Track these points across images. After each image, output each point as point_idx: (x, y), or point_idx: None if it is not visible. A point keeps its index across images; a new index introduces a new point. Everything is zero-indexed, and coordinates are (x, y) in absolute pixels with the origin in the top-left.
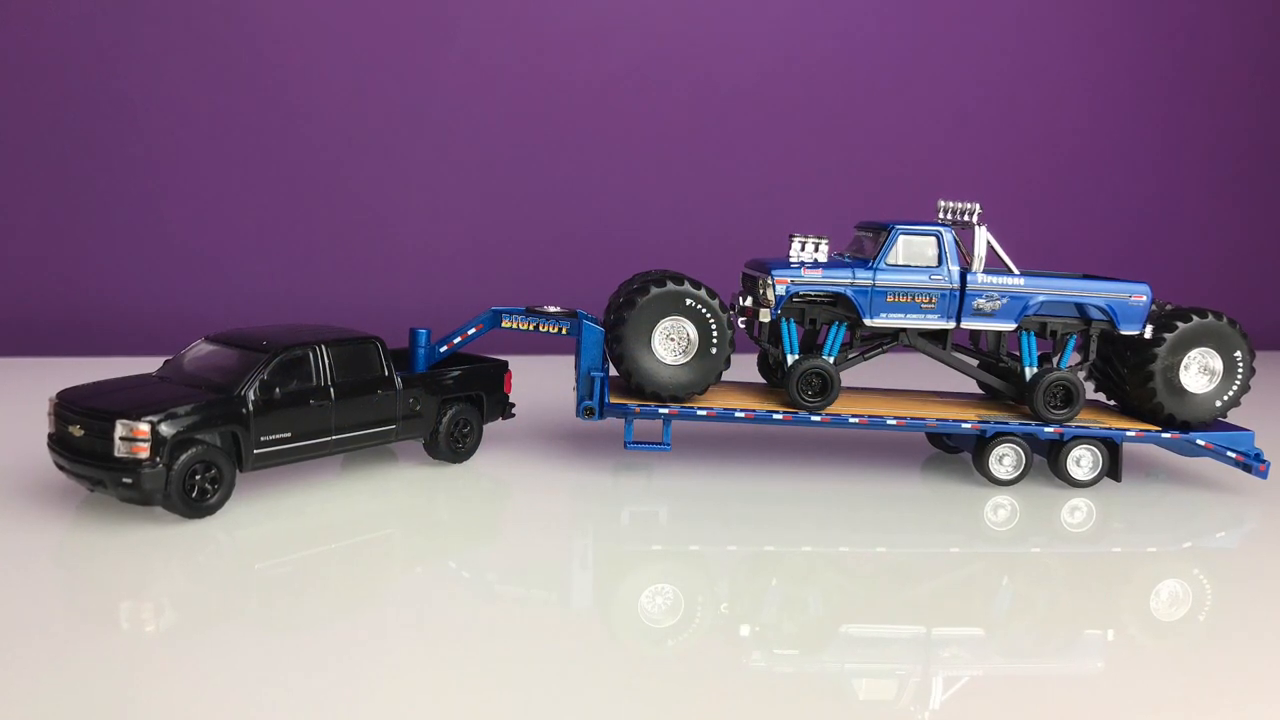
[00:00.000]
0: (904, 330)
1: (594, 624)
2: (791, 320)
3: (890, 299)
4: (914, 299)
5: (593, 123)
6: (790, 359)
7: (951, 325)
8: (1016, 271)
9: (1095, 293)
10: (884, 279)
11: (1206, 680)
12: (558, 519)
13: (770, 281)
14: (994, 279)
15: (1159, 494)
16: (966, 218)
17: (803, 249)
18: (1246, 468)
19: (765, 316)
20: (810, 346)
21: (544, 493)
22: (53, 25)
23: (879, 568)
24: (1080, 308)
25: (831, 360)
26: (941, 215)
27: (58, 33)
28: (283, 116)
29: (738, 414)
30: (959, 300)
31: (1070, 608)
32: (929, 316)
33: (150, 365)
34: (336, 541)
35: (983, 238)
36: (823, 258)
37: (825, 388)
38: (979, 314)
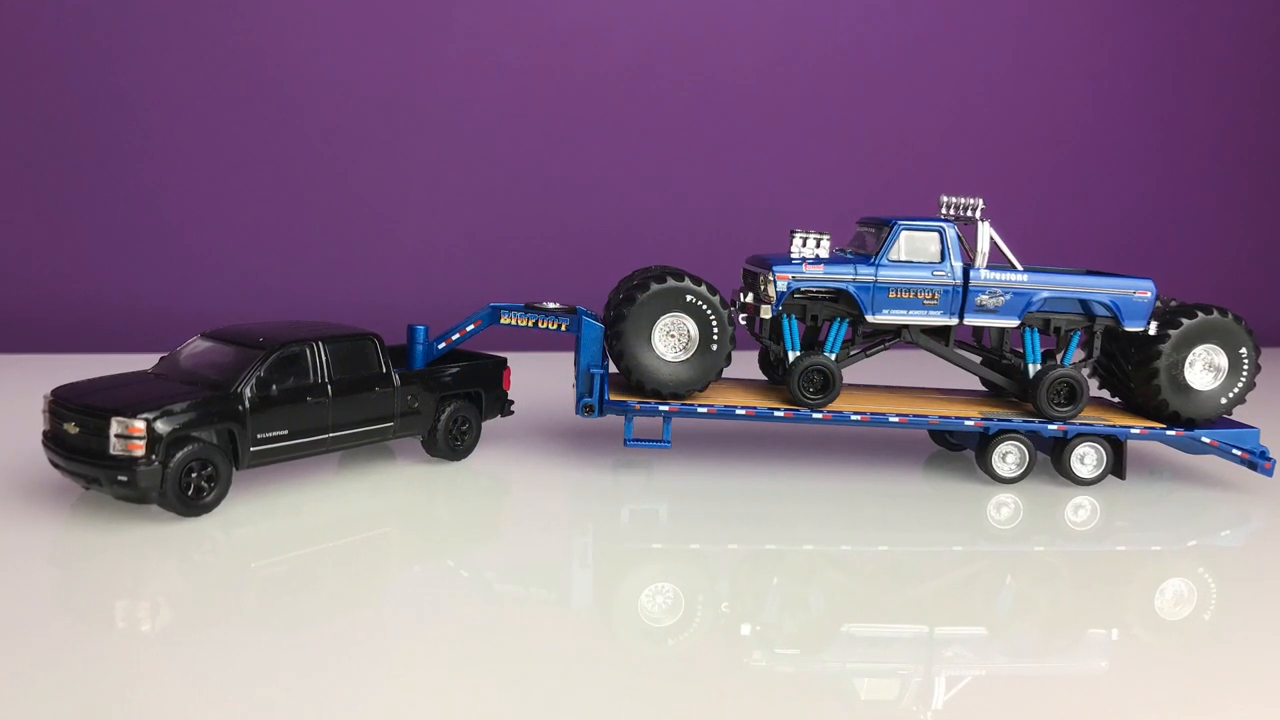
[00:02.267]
0: (906, 327)
1: (594, 624)
2: (793, 316)
3: (893, 295)
4: (916, 295)
5: (593, 119)
6: (792, 356)
7: (954, 322)
8: (1019, 267)
9: (1099, 288)
10: (886, 275)
11: (1211, 680)
12: (557, 517)
13: (771, 277)
14: (997, 275)
15: (1163, 492)
16: (969, 213)
17: (804, 245)
18: (1252, 465)
19: (766, 313)
20: (812, 343)
21: (543, 491)
22: (49, 22)
23: (881, 566)
24: (1084, 304)
25: (833, 357)
26: (944, 211)
27: (55, 29)
28: (281, 113)
29: (738, 411)
30: (962, 296)
31: (1074, 607)
32: (931, 313)
33: (146, 362)
34: (334, 540)
35: (986, 233)
36: (824, 253)
37: (827, 385)
38: (982, 310)
